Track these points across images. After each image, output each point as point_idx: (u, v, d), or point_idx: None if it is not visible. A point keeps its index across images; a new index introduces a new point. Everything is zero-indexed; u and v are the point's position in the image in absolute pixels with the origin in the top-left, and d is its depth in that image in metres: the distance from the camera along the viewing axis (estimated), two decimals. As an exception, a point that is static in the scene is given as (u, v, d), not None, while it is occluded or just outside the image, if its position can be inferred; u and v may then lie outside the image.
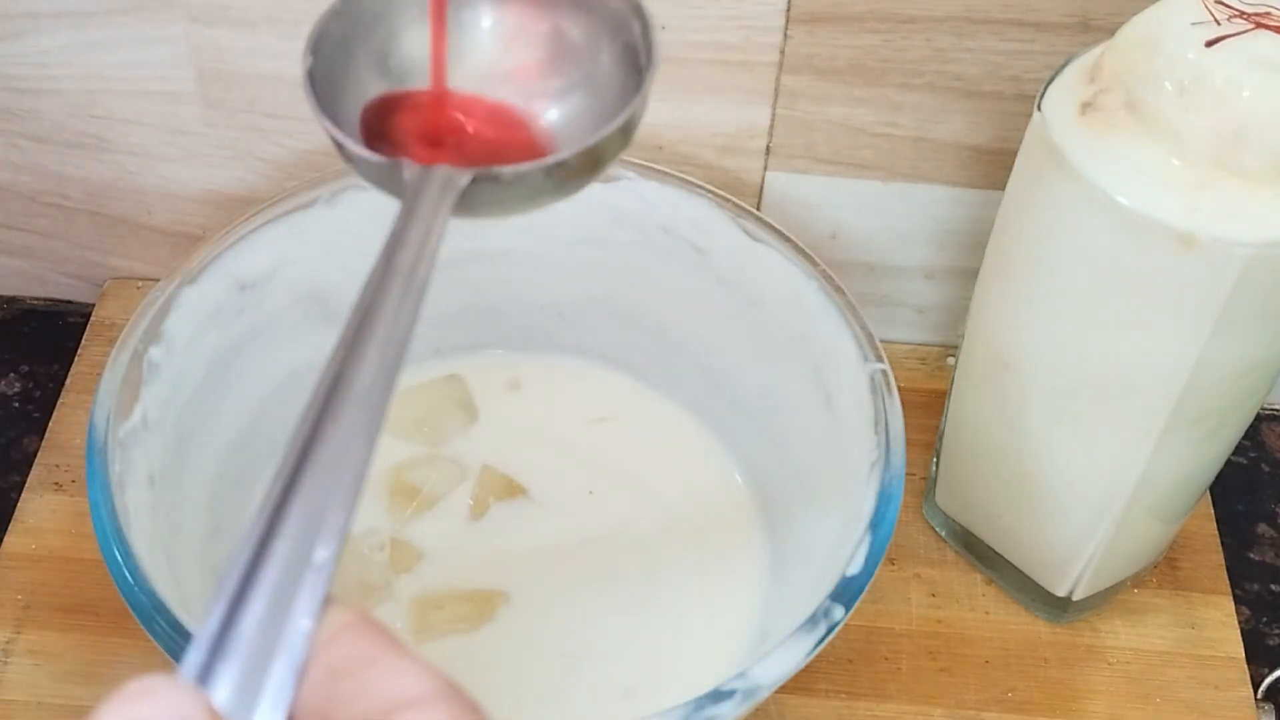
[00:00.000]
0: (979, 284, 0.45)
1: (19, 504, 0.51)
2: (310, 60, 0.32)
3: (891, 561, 0.50)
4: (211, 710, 0.20)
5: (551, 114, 0.34)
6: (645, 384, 0.53)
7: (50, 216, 0.57)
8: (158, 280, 0.45)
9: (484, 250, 0.51)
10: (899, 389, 0.43)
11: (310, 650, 0.21)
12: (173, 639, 0.36)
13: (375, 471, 0.50)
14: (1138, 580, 0.50)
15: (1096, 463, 0.43)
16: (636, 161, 0.49)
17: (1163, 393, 0.40)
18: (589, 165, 0.31)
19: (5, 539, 0.50)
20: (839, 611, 0.37)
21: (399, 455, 0.51)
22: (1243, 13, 0.37)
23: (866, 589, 0.38)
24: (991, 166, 0.51)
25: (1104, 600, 0.49)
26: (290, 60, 0.50)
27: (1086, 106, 0.39)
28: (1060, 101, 0.39)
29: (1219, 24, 0.37)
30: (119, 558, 0.38)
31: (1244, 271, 0.36)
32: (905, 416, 0.42)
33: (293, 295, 0.48)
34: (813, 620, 0.37)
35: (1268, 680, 0.48)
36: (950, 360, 0.57)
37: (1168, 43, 0.37)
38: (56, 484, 0.51)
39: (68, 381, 0.55)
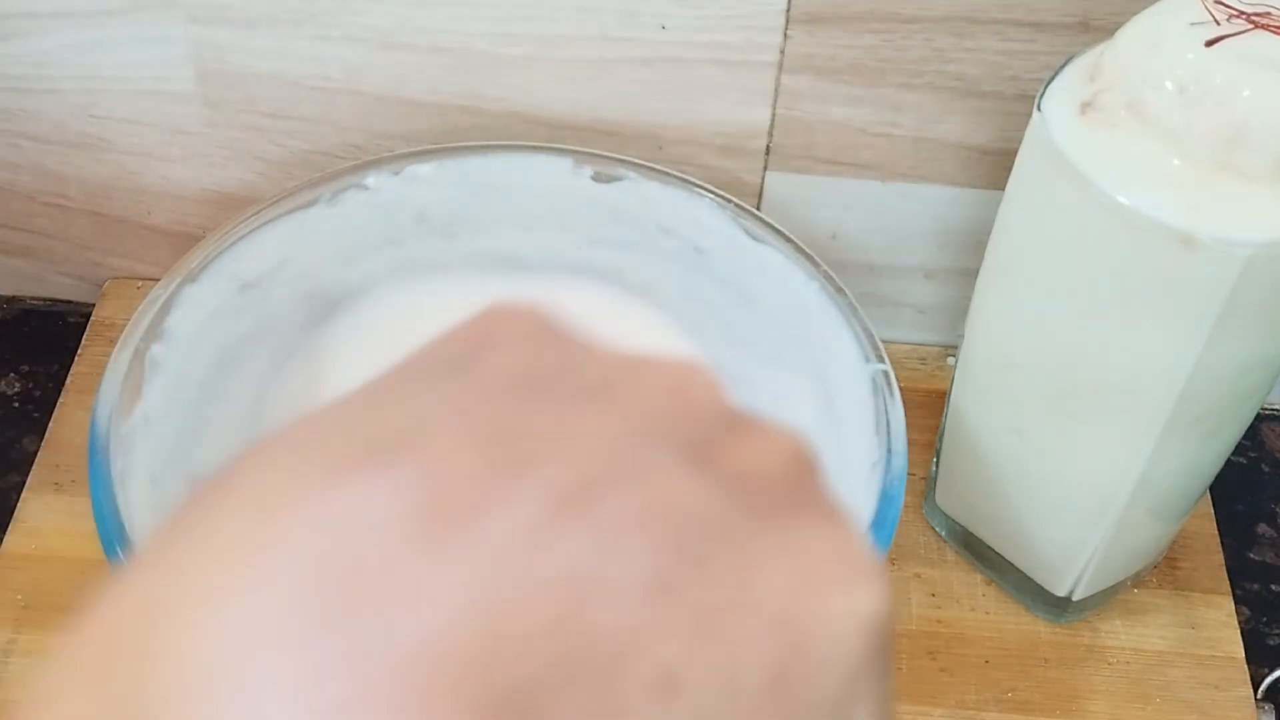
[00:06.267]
0: (979, 284, 0.45)
1: (19, 504, 0.51)
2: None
3: (891, 561, 0.50)
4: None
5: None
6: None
7: (50, 216, 0.57)
8: (158, 280, 0.45)
9: (485, 252, 0.51)
10: (899, 389, 0.43)
11: None
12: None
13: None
14: (1138, 580, 0.50)
15: (1096, 463, 0.43)
16: (636, 161, 0.49)
17: (1163, 393, 0.40)
18: None
19: (5, 539, 0.50)
20: (839, 611, 0.37)
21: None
22: (1242, 13, 0.37)
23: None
24: (991, 166, 0.51)
25: (1104, 600, 0.49)
26: (290, 60, 0.51)
27: (1086, 106, 0.39)
28: (1060, 101, 0.39)
29: (1219, 24, 0.37)
30: (120, 557, 0.38)
31: (1244, 271, 0.36)
32: (905, 416, 0.42)
33: (293, 295, 0.48)
34: (813, 620, 0.37)
35: (1268, 680, 0.48)
36: (950, 360, 0.57)
37: (1168, 43, 0.37)
38: (56, 484, 0.51)
39: (68, 381, 0.55)
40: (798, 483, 0.20)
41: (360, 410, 0.18)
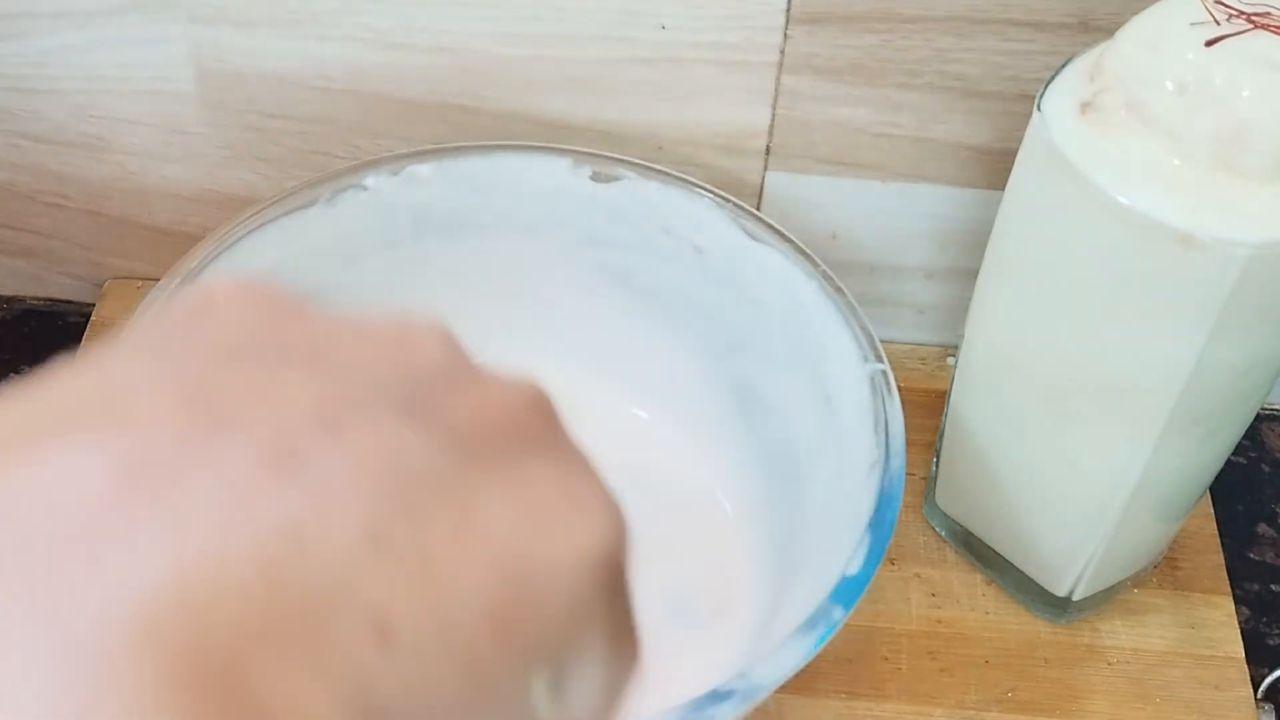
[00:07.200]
0: (979, 284, 0.45)
1: (19, 504, 0.51)
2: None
3: (891, 561, 0.50)
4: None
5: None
6: (643, 384, 0.53)
7: (50, 216, 0.57)
8: (158, 280, 0.45)
9: (485, 252, 0.51)
10: (899, 389, 0.43)
11: None
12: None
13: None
14: (1138, 580, 0.50)
15: (1096, 463, 0.43)
16: (636, 161, 0.49)
17: (1163, 393, 0.40)
18: None
19: (5, 539, 0.50)
20: (838, 612, 0.37)
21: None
22: (1242, 13, 0.37)
23: (866, 589, 0.38)
24: (991, 166, 0.51)
25: (1104, 600, 0.49)
26: (290, 60, 0.51)
27: (1086, 106, 0.39)
28: (1060, 101, 0.39)
29: (1219, 24, 0.37)
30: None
31: (1244, 271, 0.36)
32: (905, 416, 0.42)
33: (293, 295, 0.48)
34: (812, 620, 0.37)
35: (1268, 680, 0.48)
36: (950, 360, 0.57)
37: (1168, 43, 0.37)
38: (56, 484, 0.51)
39: (68, 381, 0.55)
40: (528, 429, 0.19)
41: (62, 386, 0.17)
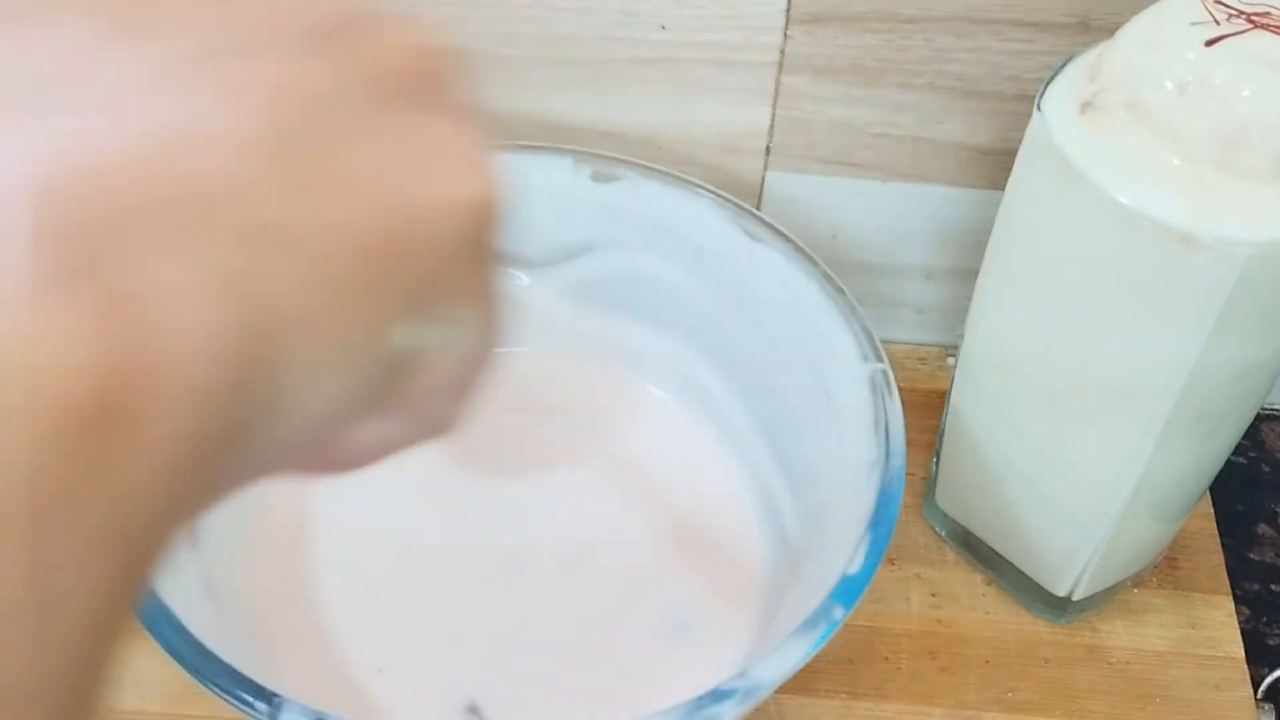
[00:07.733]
0: (979, 284, 0.45)
1: (19, 504, 0.51)
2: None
3: (891, 561, 0.50)
4: None
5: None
6: (644, 383, 0.53)
7: (50, 216, 0.57)
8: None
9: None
10: (899, 389, 0.43)
11: None
12: (173, 641, 0.36)
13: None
14: (1138, 580, 0.50)
15: (1096, 463, 0.43)
16: (636, 161, 0.49)
17: (1163, 393, 0.40)
18: None
19: (5, 539, 0.50)
20: (839, 610, 0.37)
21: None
22: (1242, 13, 0.37)
23: (866, 588, 0.38)
24: (991, 166, 0.51)
25: (1104, 600, 0.49)
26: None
27: (1086, 106, 0.39)
28: (1060, 101, 0.39)
29: (1219, 24, 0.37)
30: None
31: (1244, 271, 0.36)
32: (905, 416, 0.42)
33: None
34: (813, 619, 0.37)
35: (1268, 680, 0.48)
36: (950, 360, 0.57)
37: (1168, 43, 0.37)
38: (56, 484, 0.51)
39: (68, 381, 0.55)
40: (428, 80, 0.20)
41: None
